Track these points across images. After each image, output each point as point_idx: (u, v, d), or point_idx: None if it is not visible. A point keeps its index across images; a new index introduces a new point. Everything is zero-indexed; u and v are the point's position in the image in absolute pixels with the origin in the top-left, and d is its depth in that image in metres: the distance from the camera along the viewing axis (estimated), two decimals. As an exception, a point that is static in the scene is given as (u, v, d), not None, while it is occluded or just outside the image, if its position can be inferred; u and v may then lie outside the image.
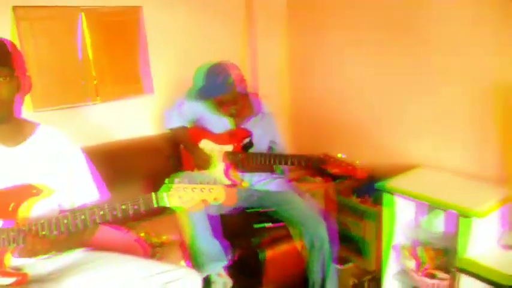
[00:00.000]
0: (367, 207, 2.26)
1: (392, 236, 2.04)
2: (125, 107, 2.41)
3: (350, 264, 2.33)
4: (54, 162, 1.42)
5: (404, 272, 2.05)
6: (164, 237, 2.03)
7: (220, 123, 2.13)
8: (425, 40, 2.11)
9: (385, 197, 1.98)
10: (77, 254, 1.49)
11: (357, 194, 2.38)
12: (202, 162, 2.12)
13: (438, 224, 1.94)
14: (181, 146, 2.26)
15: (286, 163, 2.00)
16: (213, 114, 2.12)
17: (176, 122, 2.22)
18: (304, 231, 1.98)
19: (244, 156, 2.04)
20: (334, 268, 2.03)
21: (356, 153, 1.96)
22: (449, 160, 2.10)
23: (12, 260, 1.31)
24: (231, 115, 2.08)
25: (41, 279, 1.35)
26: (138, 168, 2.27)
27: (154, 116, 2.52)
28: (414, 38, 2.16)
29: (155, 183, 2.12)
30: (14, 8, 2.08)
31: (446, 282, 1.83)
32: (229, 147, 2.10)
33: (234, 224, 2.08)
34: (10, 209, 1.28)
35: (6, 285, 1.28)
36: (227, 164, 2.09)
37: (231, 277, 1.89)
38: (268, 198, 2.17)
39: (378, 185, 1.99)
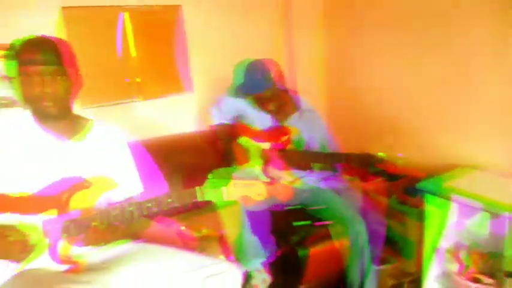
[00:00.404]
0: (409, 208, 2.21)
1: (436, 238, 1.99)
2: (165, 105, 2.47)
3: (389, 265, 2.29)
4: (106, 155, 1.49)
5: (446, 275, 2.00)
6: (204, 231, 2.06)
7: (260, 120, 2.14)
8: (470, 37, 2.05)
9: (430, 198, 1.93)
10: (125, 246, 1.54)
11: (409, 193, 2.33)
12: (241, 159, 2.14)
13: (485, 226, 1.87)
14: (221, 142, 2.29)
15: (323, 161, 2.00)
16: (253, 110, 2.14)
17: (216, 119, 2.25)
18: (344, 231, 1.96)
19: (280, 154, 2.05)
20: (373, 269, 2.00)
21: (395, 151, 1.92)
22: (495, 159, 2.03)
23: (63, 249, 1.37)
24: (270, 112, 2.08)
25: (93, 268, 1.41)
26: (178, 164, 2.31)
27: (194, 114, 2.57)
28: (458, 35, 2.09)
29: (195, 178, 2.19)
30: (63, 8, 2.17)
31: (491, 288, 1.78)
32: (266, 145, 2.11)
33: (274, 221, 2.09)
34: (63, 200, 1.34)
35: (63, 271, 1.34)
36: (265, 161, 2.10)
37: (270, 274, 1.90)
38: (310, 196, 2.17)
39: (421, 184, 1.94)
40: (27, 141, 1.38)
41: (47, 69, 1.28)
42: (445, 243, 1.99)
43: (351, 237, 1.94)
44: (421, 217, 2.08)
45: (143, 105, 2.39)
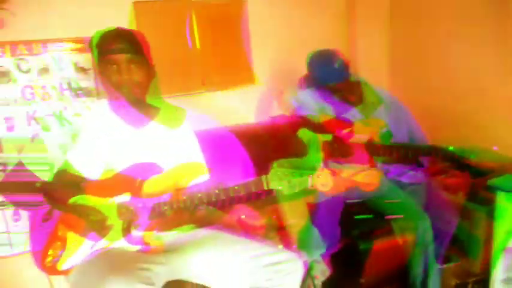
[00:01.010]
0: (480, 205, 2.10)
1: (506, 238, 1.88)
2: (229, 96, 2.52)
3: (452, 264, 2.20)
4: (175, 142, 1.55)
5: (514, 278, 1.89)
6: (265, 221, 2.09)
7: (323, 111, 2.13)
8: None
9: (501, 196, 1.83)
10: (193, 231, 1.61)
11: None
12: (300, 151, 2.13)
13: None
14: (282, 134, 2.30)
15: (390, 154, 1.95)
16: (316, 102, 2.12)
17: (276, 111, 2.27)
18: (409, 226, 1.91)
19: (340, 147, 2.02)
20: (436, 266, 1.94)
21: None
22: None
23: (136, 231, 1.45)
24: (341, 102, 2.03)
25: (170, 250, 1.48)
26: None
27: (255, 105, 2.60)
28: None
29: (257, 169, 2.23)
30: (135, 3, 2.27)
31: None
32: (328, 136, 2.09)
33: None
34: (136, 184, 1.42)
35: (140, 251, 1.43)
36: (325, 153, 2.08)
37: (330, 265, 1.89)
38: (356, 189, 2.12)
39: (493, 182, 1.84)
40: (103, 127, 1.47)
41: (124, 57, 1.37)
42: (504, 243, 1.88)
43: (415, 234, 1.89)
44: (491, 215, 1.98)
45: (207, 96, 2.45)
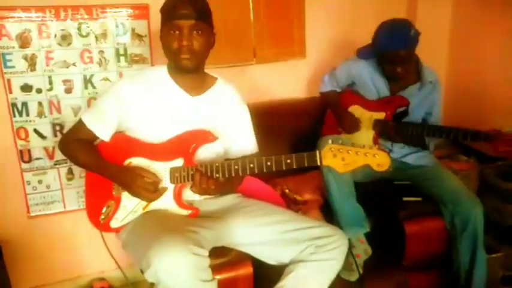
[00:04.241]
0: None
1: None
2: (278, 69, 2.48)
3: (499, 255, 2.13)
4: (226, 113, 1.56)
5: None
6: (306, 196, 2.09)
7: (375, 88, 2.07)
8: None
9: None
10: (234, 198, 1.64)
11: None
12: (350, 128, 2.10)
13: None
14: (329, 110, 2.27)
15: (441, 136, 1.88)
16: (370, 77, 2.07)
17: (329, 86, 2.23)
18: (456, 211, 1.86)
19: (394, 125, 1.97)
20: (484, 255, 1.88)
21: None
22: None
23: (184, 195, 1.50)
24: (395, 75, 1.96)
25: (207, 216, 1.52)
26: (285, 128, 2.35)
27: (306, 80, 2.56)
28: None
29: (299, 143, 2.22)
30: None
31: None
32: (380, 115, 2.04)
33: (375, 193, 2.05)
34: (190, 150, 1.45)
35: (185, 215, 1.47)
36: (377, 131, 2.04)
37: (372, 246, 1.88)
38: (404, 171, 2.09)
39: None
40: (159, 93, 1.50)
41: (187, 23, 1.37)
42: None
43: (464, 219, 1.83)
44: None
45: (258, 68, 2.43)
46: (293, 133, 2.34)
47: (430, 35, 2.53)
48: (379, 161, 1.27)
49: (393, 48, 1.86)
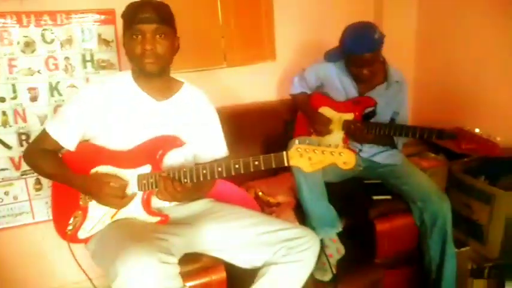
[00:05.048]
0: (495, 190, 2.05)
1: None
2: (249, 72, 2.49)
3: (467, 248, 2.19)
4: (194, 117, 1.55)
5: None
6: (279, 198, 2.10)
7: (343, 89, 2.10)
8: None
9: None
10: (205, 203, 1.63)
11: (484, 174, 2.18)
12: (321, 129, 2.12)
13: None
14: (300, 112, 2.29)
15: (408, 135, 1.92)
16: (339, 79, 2.09)
17: (299, 88, 2.25)
18: (425, 208, 1.90)
19: (363, 126, 2.00)
20: (453, 249, 1.93)
21: (484, 130, 1.79)
22: None
23: (153, 203, 1.48)
24: (362, 77, 1.99)
25: (178, 222, 1.51)
26: (257, 131, 2.35)
27: (276, 82, 2.58)
28: None
29: (271, 145, 2.23)
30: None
31: None
32: (349, 116, 2.07)
33: (346, 192, 2.08)
34: (157, 156, 1.43)
35: (153, 222, 1.46)
36: (346, 132, 2.07)
37: (344, 245, 1.90)
38: (374, 170, 2.13)
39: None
40: (124, 99, 1.47)
41: (149, 27, 1.35)
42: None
43: (433, 216, 1.88)
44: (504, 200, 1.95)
45: (228, 72, 2.43)
46: (265, 136, 2.35)
47: (396, 36, 2.60)
48: (345, 159, 1.28)
49: (359, 52, 1.90)
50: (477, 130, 1.70)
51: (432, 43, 2.72)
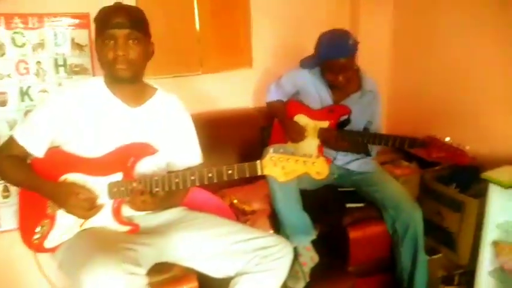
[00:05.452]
0: (465, 198, 2.10)
1: (491, 231, 1.90)
2: (225, 79, 2.49)
3: (439, 256, 2.23)
4: (168, 125, 1.53)
5: (501, 270, 1.91)
6: (255, 205, 2.09)
7: (319, 97, 2.11)
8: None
9: (492, 188, 1.84)
10: (178, 212, 1.60)
11: (455, 182, 2.23)
12: (295, 137, 2.13)
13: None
14: (276, 120, 2.29)
15: (381, 143, 1.95)
16: (314, 86, 2.11)
17: (275, 96, 2.26)
18: (397, 216, 1.93)
19: (338, 134, 2.02)
20: (425, 257, 1.96)
21: (456, 139, 1.84)
22: None
23: (124, 211, 1.45)
24: (337, 84, 2.00)
25: (149, 231, 1.48)
26: (233, 139, 2.34)
27: (252, 89, 2.58)
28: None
29: (247, 153, 2.22)
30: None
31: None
32: (324, 124, 2.09)
33: (320, 200, 2.09)
34: (129, 164, 1.41)
35: (123, 232, 1.43)
36: (321, 140, 2.08)
37: (318, 253, 1.90)
38: (348, 178, 2.16)
39: (483, 175, 1.85)
40: (97, 104, 1.44)
41: (122, 32, 1.33)
42: (501, 237, 1.90)
43: (404, 224, 1.90)
44: (481, 207, 1.99)
45: (203, 78, 2.42)
46: (241, 143, 2.34)
47: (372, 44, 2.65)
48: (318, 169, 1.30)
49: (333, 57, 1.92)
50: (447, 139, 1.73)
51: (407, 52, 2.77)
